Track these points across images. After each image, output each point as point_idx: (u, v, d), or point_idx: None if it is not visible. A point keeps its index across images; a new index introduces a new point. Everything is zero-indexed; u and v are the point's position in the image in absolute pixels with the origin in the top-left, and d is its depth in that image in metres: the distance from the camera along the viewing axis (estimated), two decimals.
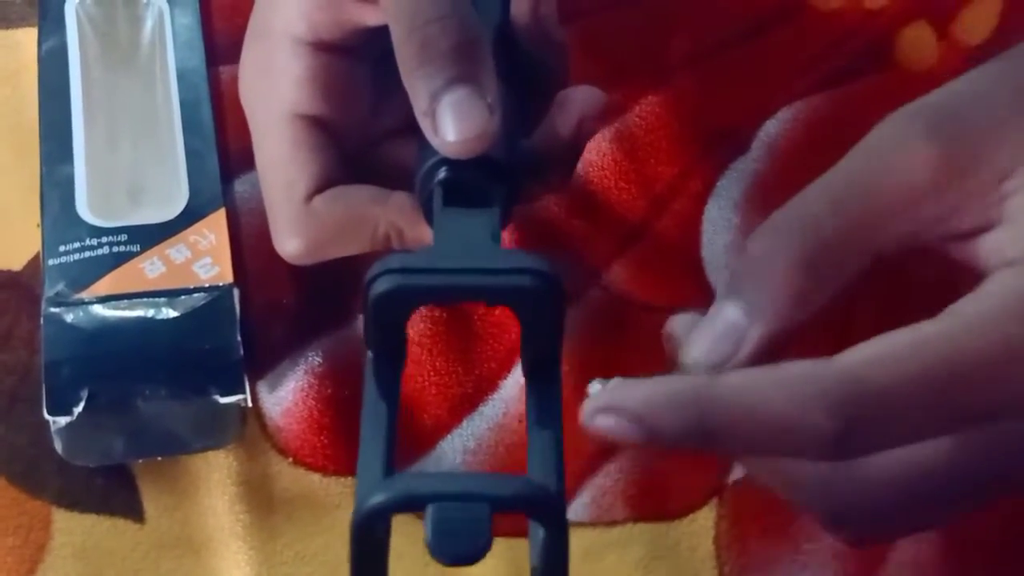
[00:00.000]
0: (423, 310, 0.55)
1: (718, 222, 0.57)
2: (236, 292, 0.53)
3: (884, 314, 0.43)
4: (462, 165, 0.47)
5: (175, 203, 0.55)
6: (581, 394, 0.52)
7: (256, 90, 0.52)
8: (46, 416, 0.50)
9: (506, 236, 0.56)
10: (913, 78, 0.60)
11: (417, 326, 0.55)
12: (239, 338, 0.52)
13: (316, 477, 0.53)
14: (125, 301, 0.52)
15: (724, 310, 0.43)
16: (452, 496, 0.40)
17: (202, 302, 0.53)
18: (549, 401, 0.44)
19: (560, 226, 0.57)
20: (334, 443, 0.53)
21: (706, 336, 0.43)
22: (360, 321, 0.54)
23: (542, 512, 0.41)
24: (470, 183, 0.47)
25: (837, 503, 0.45)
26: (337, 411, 0.53)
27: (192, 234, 0.54)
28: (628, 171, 0.58)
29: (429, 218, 0.48)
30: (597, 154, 0.58)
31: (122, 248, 0.54)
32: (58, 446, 0.51)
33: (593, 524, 0.52)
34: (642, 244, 0.57)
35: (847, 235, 0.43)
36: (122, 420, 0.51)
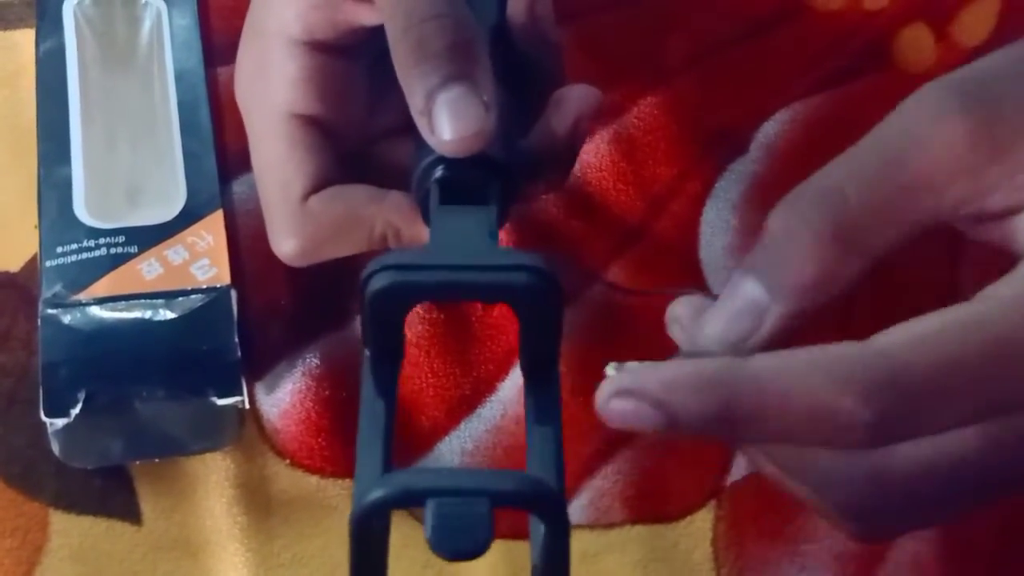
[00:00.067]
0: (421, 312, 0.55)
1: (716, 223, 0.57)
2: (234, 294, 0.53)
3: (884, 309, 0.42)
4: (459, 163, 0.47)
5: (173, 204, 0.55)
6: (578, 395, 0.52)
7: (252, 90, 0.52)
8: (43, 418, 0.50)
9: (504, 237, 0.56)
10: (911, 79, 0.60)
11: (415, 328, 0.55)
12: (237, 340, 0.52)
13: (314, 479, 0.53)
14: (123, 302, 0.52)
15: (743, 286, 0.41)
16: (452, 491, 0.40)
17: (200, 303, 0.53)
18: (548, 398, 0.44)
19: (558, 227, 0.57)
20: (332, 445, 0.53)
21: (723, 314, 0.42)
22: (358, 323, 0.54)
23: (543, 507, 0.41)
24: (467, 181, 0.47)
25: (854, 495, 0.43)
26: (335, 413, 0.53)
27: (190, 235, 0.54)
28: (626, 172, 0.58)
29: (426, 217, 0.48)
30: (595, 155, 0.58)
31: (120, 249, 0.54)
32: (55, 448, 0.51)
33: (591, 526, 0.52)
34: (640, 245, 0.57)
35: (875, 210, 0.41)
36: (120, 422, 0.51)
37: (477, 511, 0.39)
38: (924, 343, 0.39)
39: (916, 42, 0.61)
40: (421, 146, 0.48)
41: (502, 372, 0.54)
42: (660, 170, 0.58)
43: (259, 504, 0.52)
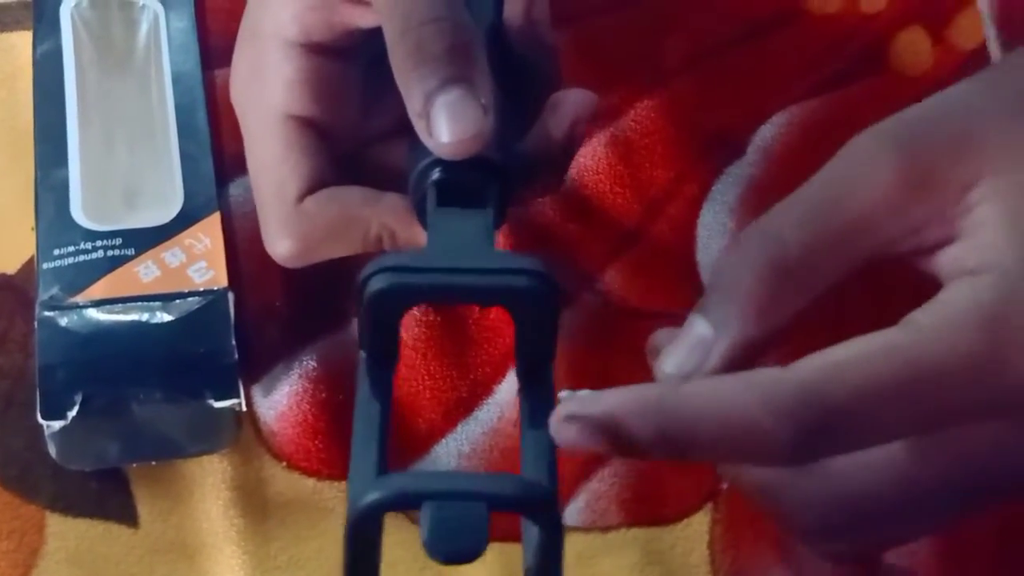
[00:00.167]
0: (418, 314, 0.55)
1: (713, 227, 0.57)
2: (231, 296, 0.53)
3: (875, 318, 0.43)
4: (456, 166, 0.47)
5: (170, 207, 0.55)
6: None
7: (248, 91, 0.52)
8: (40, 420, 0.50)
9: (501, 239, 0.56)
10: (908, 83, 0.60)
11: (412, 330, 0.55)
12: (233, 342, 0.52)
13: (310, 481, 0.53)
14: (119, 305, 0.52)
15: (694, 325, 0.44)
16: (448, 494, 0.40)
17: (197, 306, 0.53)
18: (543, 401, 0.44)
19: (555, 230, 0.57)
20: (328, 447, 0.53)
21: (677, 349, 0.44)
22: (354, 325, 0.54)
23: (538, 511, 0.41)
24: (464, 184, 0.47)
25: (803, 515, 0.46)
26: (331, 415, 0.53)
27: (187, 238, 0.54)
28: (623, 175, 0.58)
29: (422, 219, 0.48)
30: (592, 158, 0.58)
31: (117, 252, 0.54)
32: (52, 450, 0.51)
33: (587, 529, 0.52)
34: (637, 248, 0.57)
35: (812, 252, 0.44)
36: (116, 424, 0.51)
37: (474, 514, 0.39)
38: (841, 366, 0.42)
39: (913, 46, 0.61)
40: (418, 148, 0.48)
41: (499, 375, 0.54)
42: (657, 173, 0.58)
43: (256, 507, 0.52)
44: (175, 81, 0.58)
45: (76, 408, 0.50)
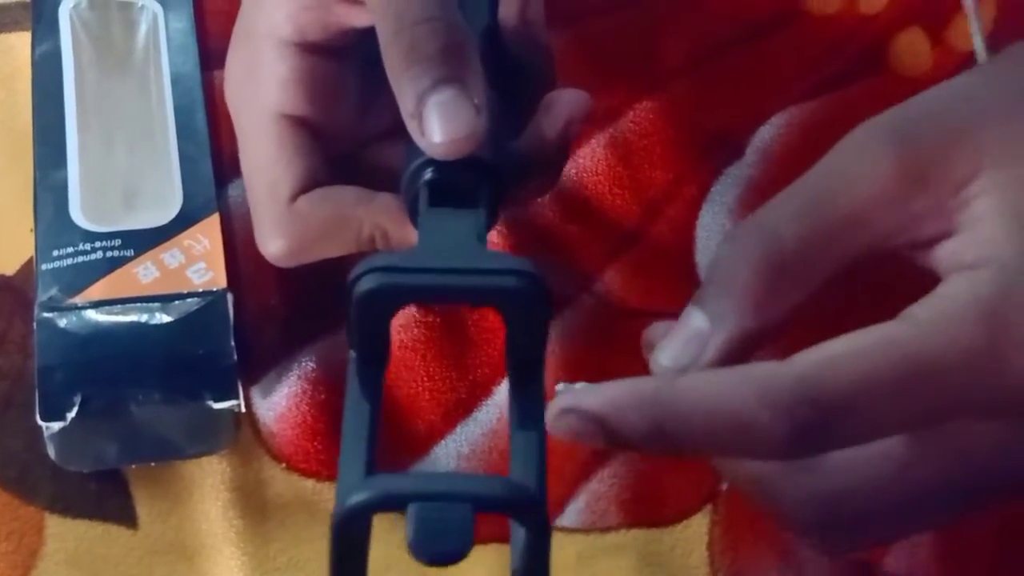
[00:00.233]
0: (417, 315, 0.55)
1: (712, 228, 0.57)
2: (230, 297, 0.53)
3: (873, 311, 0.43)
4: (449, 166, 0.47)
5: (169, 208, 0.55)
6: None
7: (242, 91, 0.52)
8: (39, 421, 0.50)
9: (500, 240, 0.56)
10: (907, 83, 0.60)
11: (411, 331, 0.55)
12: (233, 343, 0.52)
13: (309, 483, 0.53)
14: (118, 306, 0.52)
15: (690, 317, 0.44)
16: (434, 496, 0.40)
17: (196, 307, 0.53)
18: (532, 402, 0.44)
19: (554, 231, 0.57)
20: (327, 449, 0.53)
21: (673, 342, 0.44)
22: None
23: (524, 513, 0.41)
24: (456, 184, 0.47)
25: (799, 511, 0.45)
26: (331, 416, 0.53)
27: (186, 239, 0.54)
28: (622, 176, 0.58)
29: (415, 219, 0.48)
30: (591, 159, 0.58)
31: (116, 253, 0.54)
32: (51, 451, 0.51)
33: (587, 530, 0.52)
34: (636, 249, 0.57)
35: (807, 245, 0.44)
36: (115, 425, 0.51)
37: (458, 516, 0.39)
38: (839, 360, 0.42)
39: (912, 46, 0.61)
40: (411, 148, 0.48)
41: (498, 375, 0.54)
42: (656, 174, 0.58)
43: (255, 508, 0.52)
44: (174, 82, 0.57)
45: (75, 409, 0.50)
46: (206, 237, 0.54)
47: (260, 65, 0.51)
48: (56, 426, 0.50)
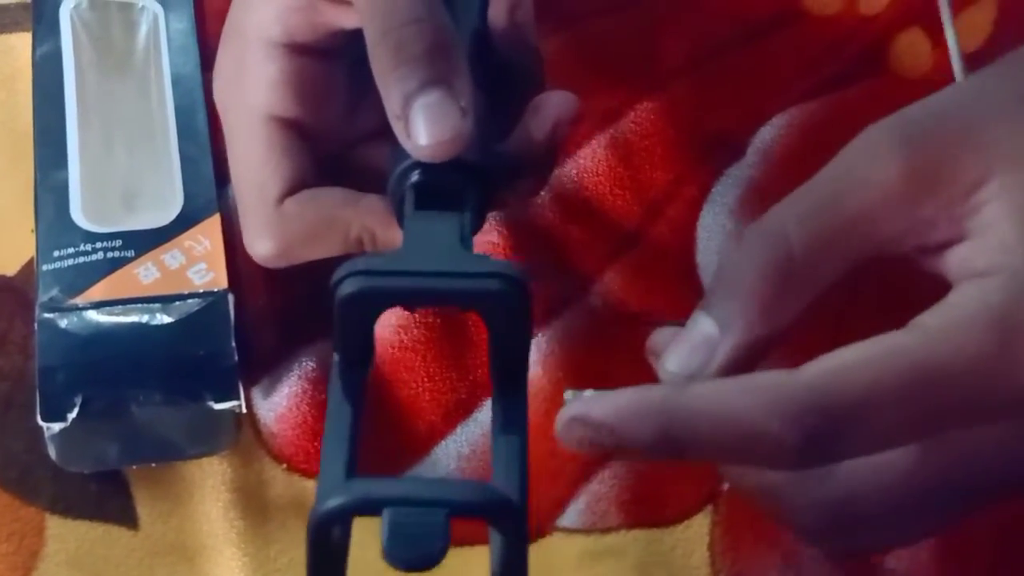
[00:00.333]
0: (417, 316, 0.55)
1: (713, 228, 0.57)
2: (231, 298, 0.53)
3: (879, 316, 0.43)
4: (435, 168, 0.47)
5: (170, 208, 0.55)
6: None
7: (230, 91, 0.52)
8: (40, 422, 0.50)
9: (500, 241, 0.56)
10: (907, 84, 0.60)
11: (411, 332, 0.55)
12: (233, 344, 0.52)
13: (310, 483, 0.53)
14: (119, 307, 0.52)
15: (698, 322, 0.44)
16: (409, 501, 0.40)
17: (196, 308, 0.53)
18: (515, 407, 0.44)
19: (554, 232, 0.57)
20: None
21: (681, 348, 0.44)
22: None
23: (500, 518, 0.41)
24: (442, 186, 0.47)
25: (807, 517, 0.46)
26: None
27: (187, 239, 0.54)
28: (623, 177, 0.58)
29: (402, 221, 0.48)
30: (592, 160, 0.58)
31: (116, 254, 0.54)
32: (52, 452, 0.51)
33: (588, 531, 0.52)
34: (637, 250, 0.57)
35: (815, 248, 0.44)
36: (116, 426, 0.51)
37: (432, 521, 0.39)
38: (849, 370, 0.41)
39: (912, 47, 0.61)
40: (398, 150, 0.48)
41: None
42: (657, 175, 0.58)
43: (256, 508, 0.52)
44: (175, 83, 0.58)
45: (76, 410, 0.50)
46: (207, 238, 0.54)
47: (249, 66, 0.51)
48: (57, 427, 0.50)
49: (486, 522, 0.41)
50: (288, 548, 0.51)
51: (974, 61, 0.60)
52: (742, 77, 0.60)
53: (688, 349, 0.44)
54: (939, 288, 0.43)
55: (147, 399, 0.51)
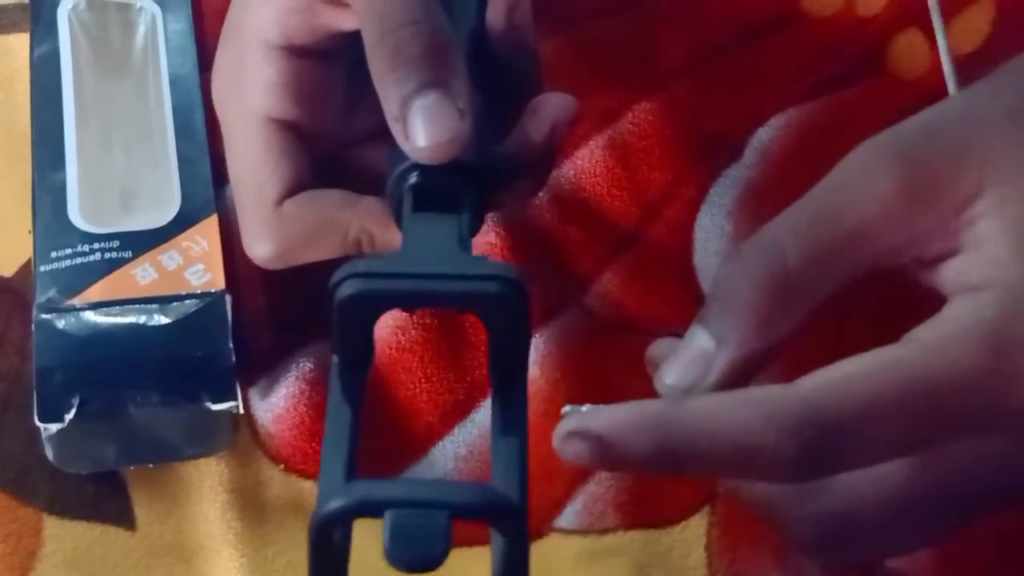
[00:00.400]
0: (415, 317, 0.55)
1: (711, 229, 0.57)
2: (228, 299, 0.53)
3: (876, 330, 0.43)
4: (433, 170, 0.47)
5: (167, 209, 0.55)
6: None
7: (228, 93, 0.52)
8: (37, 423, 0.50)
9: (498, 242, 0.56)
10: (905, 85, 0.60)
11: (409, 333, 0.55)
12: (231, 345, 0.52)
13: (308, 484, 0.53)
14: (117, 307, 0.52)
15: (695, 336, 0.44)
16: (410, 502, 0.40)
17: (194, 308, 0.53)
18: (514, 409, 0.45)
19: (552, 233, 0.57)
20: None
21: (678, 362, 0.44)
22: None
23: (501, 520, 0.41)
24: (440, 188, 0.47)
25: (802, 531, 0.46)
26: None
27: (184, 240, 0.54)
28: (620, 178, 0.58)
29: (400, 223, 0.48)
30: (590, 161, 0.58)
31: (114, 254, 0.54)
32: (49, 453, 0.51)
33: (585, 531, 0.52)
34: (635, 251, 0.57)
35: (811, 262, 0.44)
36: (114, 427, 0.51)
37: (434, 522, 0.39)
38: (845, 383, 0.42)
39: (910, 49, 0.61)
40: (396, 152, 0.48)
41: None
42: (655, 176, 0.58)
43: (253, 509, 0.52)
44: (172, 83, 0.58)
45: (73, 411, 0.50)
46: (204, 239, 0.54)
47: (247, 68, 0.51)
48: (54, 428, 0.50)
49: (487, 523, 0.41)
50: (286, 549, 0.51)
51: (973, 62, 0.60)
52: (740, 78, 0.60)
53: (685, 363, 0.44)
54: (935, 301, 0.43)
55: (144, 400, 0.51)
